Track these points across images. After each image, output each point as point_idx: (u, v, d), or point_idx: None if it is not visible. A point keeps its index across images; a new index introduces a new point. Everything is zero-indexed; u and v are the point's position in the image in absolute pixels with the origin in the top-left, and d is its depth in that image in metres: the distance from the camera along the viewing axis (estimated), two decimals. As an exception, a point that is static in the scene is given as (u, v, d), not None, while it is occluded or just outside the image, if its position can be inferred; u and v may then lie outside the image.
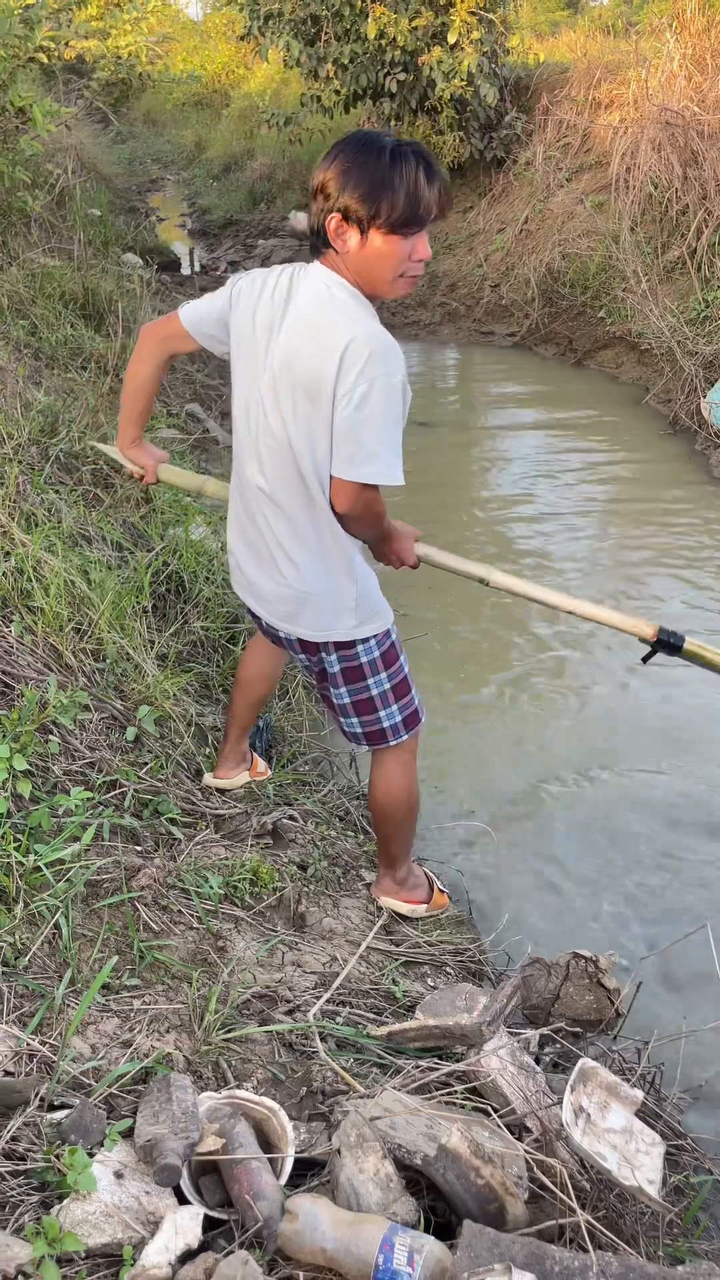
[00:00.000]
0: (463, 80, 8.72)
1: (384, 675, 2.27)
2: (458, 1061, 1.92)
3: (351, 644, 2.21)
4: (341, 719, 2.35)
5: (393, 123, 10.08)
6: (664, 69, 7.92)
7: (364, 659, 2.24)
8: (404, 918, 2.57)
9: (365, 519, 2.05)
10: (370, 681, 2.26)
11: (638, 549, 4.90)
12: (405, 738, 2.35)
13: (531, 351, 8.18)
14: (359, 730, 2.34)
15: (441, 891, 2.67)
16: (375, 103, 10.03)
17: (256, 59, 16.79)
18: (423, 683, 3.82)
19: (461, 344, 8.62)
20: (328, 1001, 2.08)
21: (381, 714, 2.30)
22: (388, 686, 2.29)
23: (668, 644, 2.33)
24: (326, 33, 9.68)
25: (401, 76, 9.31)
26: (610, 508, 5.45)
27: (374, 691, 2.28)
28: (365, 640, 2.21)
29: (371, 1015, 2.06)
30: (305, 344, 1.93)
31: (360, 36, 9.32)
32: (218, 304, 2.13)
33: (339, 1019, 1.98)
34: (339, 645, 2.21)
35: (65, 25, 7.51)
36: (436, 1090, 1.84)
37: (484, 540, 5.02)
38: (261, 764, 2.90)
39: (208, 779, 2.77)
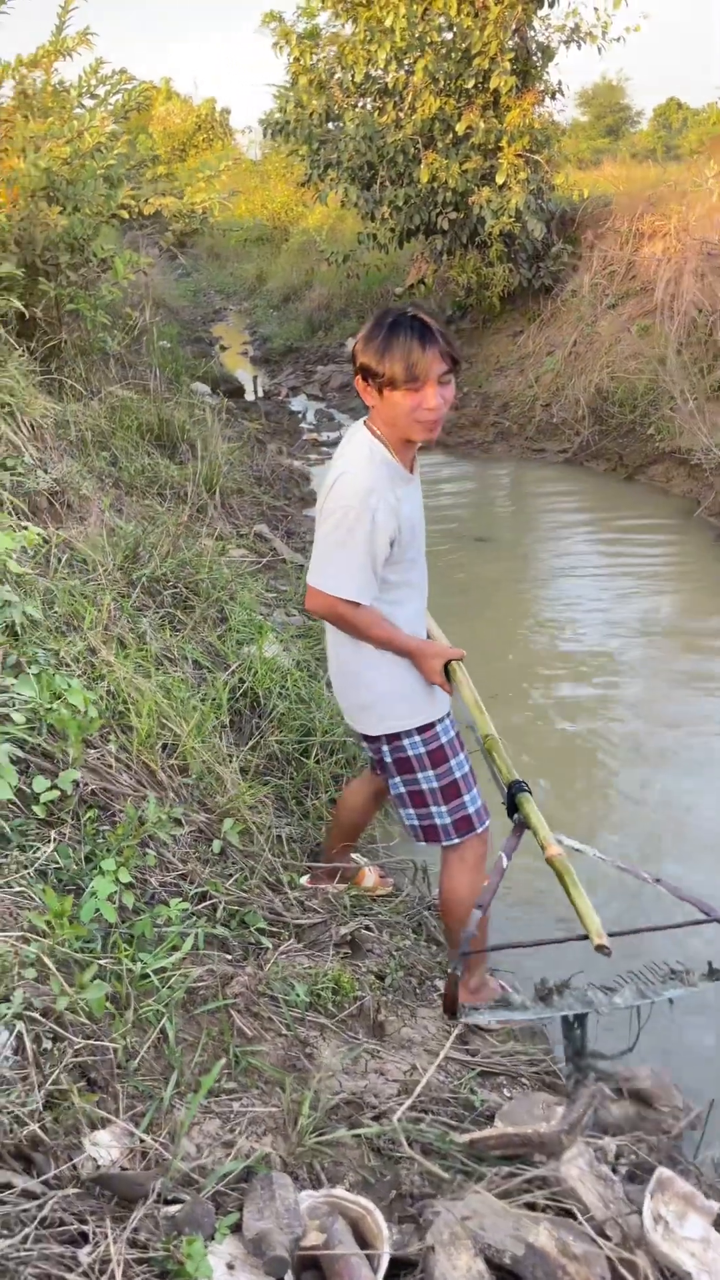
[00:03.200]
0: (511, 217, 9.27)
1: (431, 773, 2.49)
2: (534, 1169, 2.01)
3: (398, 736, 2.46)
4: (400, 810, 2.57)
5: (444, 257, 10.69)
6: (704, 202, 8.37)
7: (411, 752, 2.48)
8: (478, 1028, 2.66)
9: (331, 619, 2.41)
10: (419, 776, 2.49)
11: (690, 660, 5.02)
12: (456, 840, 2.53)
13: (583, 467, 8.47)
14: (416, 823, 2.56)
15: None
16: (428, 239, 10.67)
17: (311, 196, 17.93)
18: (488, 792, 3.94)
19: (514, 461, 8.95)
20: (409, 1109, 2.18)
21: (432, 810, 2.52)
22: (436, 785, 2.50)
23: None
24: (381, 177, 10.39)
25: (453, 215, 9.92)
26: (663, 617, 5.59)
27: (423, 786, 2.50)
28: (409, 734, 2.46)
29: (452, 1123, 2.15)
30: (328, 476, 2.38)
31: (413, 180, 9.99)
32: None
33: (421, 1125, 2.08)
34: (389, 737, 2.47)
35: (142, 181, 8.21)
36: (519, 1195, 1.92)
37: (535, 649, 5.18)
38: (370, 877, 3.07)
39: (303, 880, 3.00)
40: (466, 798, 2.52)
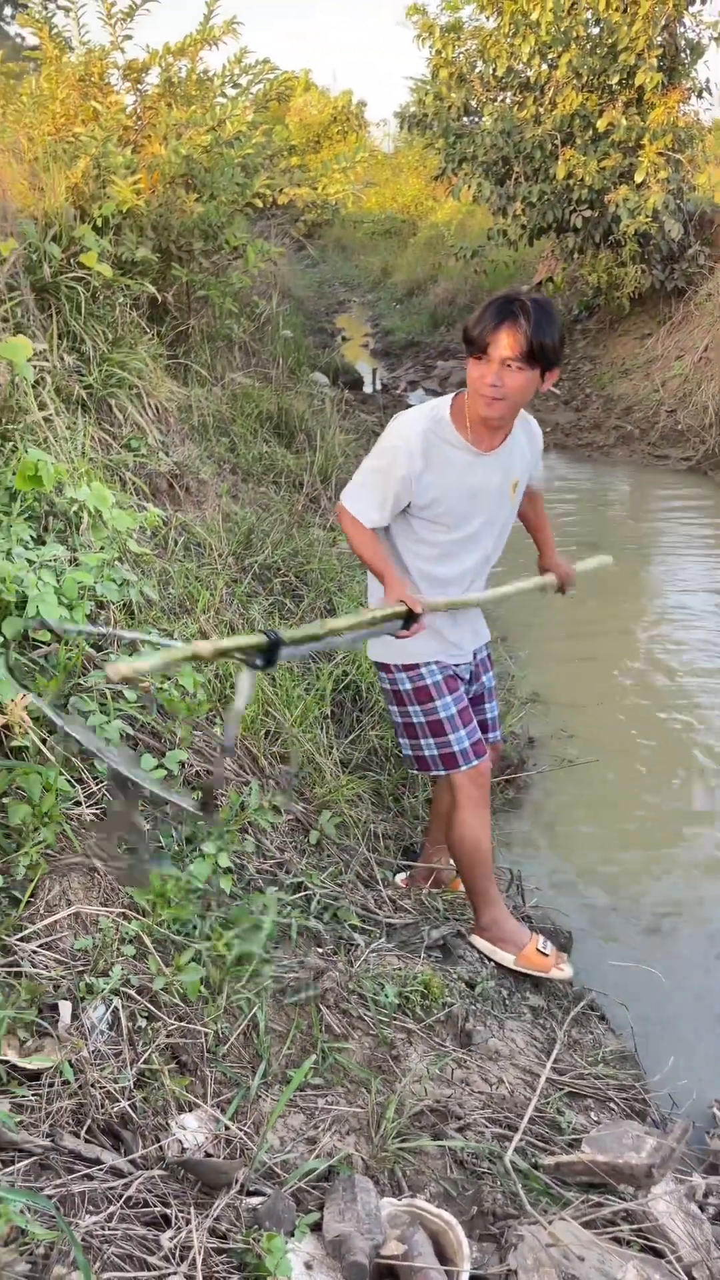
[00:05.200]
0: (648, 217, 9.03)
1: (419, 708, 2.66)
2: (621, 1200, 1.94)
3: (388, 668, 2.67)
4: (397, 738, 2.79)
5: (575, 255, 10.49)
6: None
7: (400, 687, 2.67)
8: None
9: (342, 526, 2.60)
10: (409, 709, 2.67)
11: None
12: (444, 772, 2.68)
13: (707, 476, 8.21)
14: (409, 753, 2.73)
15: (541, 953, 2.74)
16: (559, 236, 10.49)
17: (442, 190, 17.81)
18: (591, 806, 3.85)
19: (634, 466, 8.73)
20: (491, 1123, 2.13)
21: (421, 743, 2.68)
22: (423, 720, 2.66)
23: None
24: (516, 173, 10.24)
25: (587, 213, 9.72)
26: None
27: (414, 720, 2.68)
28: (398, 669, 2.65)
29: (538, 1143, 2.10)
30: None
31: (549, 176, 9.82)
32: None
33: (508, 1144, 2.03)
34: (381, 666, 2.70)
35: (275, 171, 8.25)
36: (603, 1227, 1.86)
37: (644, 659, 5.04)
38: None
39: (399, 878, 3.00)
40: (452, 736, 2.64)
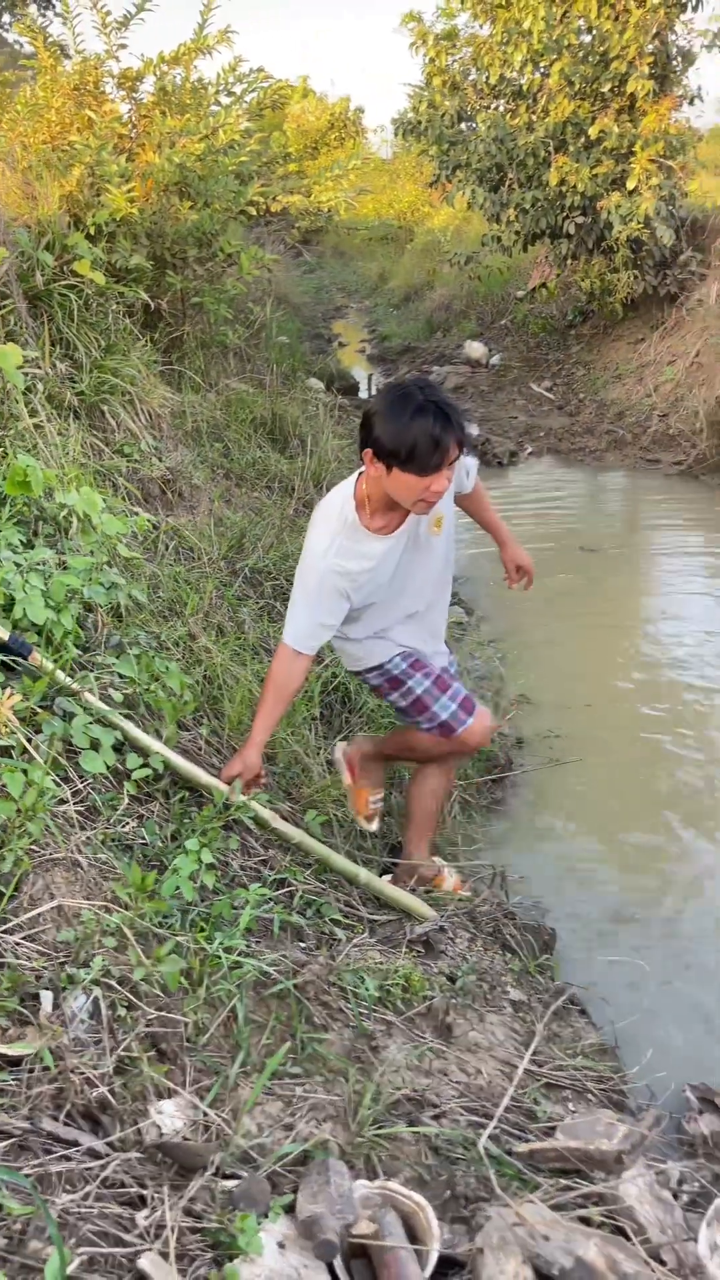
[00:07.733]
0: (639, 223, 9.10)
1: (397, 694, 2.88)
2: (591, 1184, 1.99)
3: (361, 673, 2.95)
4: (404, 718, 3.01)
5: (568, 261, 10.56)
6: None
7: (373, 682, 2.94)
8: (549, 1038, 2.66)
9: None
10: (392, 695, 2.90)
11: None
12: (447, 740, 2.88)
13: (698, 480, 8.27)
14: (424, 725, 2.93)
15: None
16: (553, 242, 10.56)
17: (438, 196, 17.86)
18: (577, 806, 3.90)
19: (627, 470, 8.79)
20: (468, 1111, 2.18)
21: (418, 719, 2.88)
22: (402, 704, 2.89)
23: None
24: (510, 180, 10.32)
25: (580, 219, 9.79)
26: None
27: (399, 704, 2.91)
28: (368, 671, 2.90)
29: (513, 1131, 2.14)
30: None
31: (542, 183, 9.89)
32: None
33: (482, 1131, 2.08)
34: (357, 674, 2.99)
35: (273, 178, 8.32)
36: (573, 1210, 1.91)
37: (635, 662, 5.09)
38: (450, 880, 3.10)
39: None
40: (436, 706, 2.84)
